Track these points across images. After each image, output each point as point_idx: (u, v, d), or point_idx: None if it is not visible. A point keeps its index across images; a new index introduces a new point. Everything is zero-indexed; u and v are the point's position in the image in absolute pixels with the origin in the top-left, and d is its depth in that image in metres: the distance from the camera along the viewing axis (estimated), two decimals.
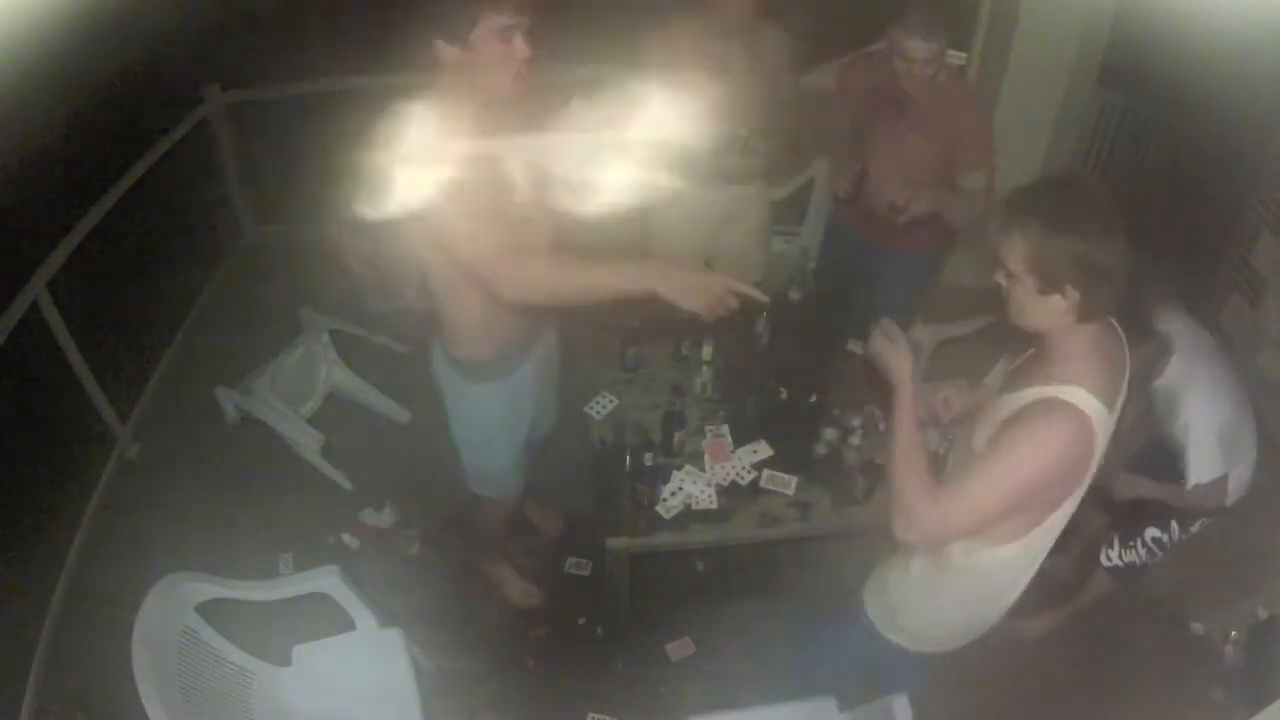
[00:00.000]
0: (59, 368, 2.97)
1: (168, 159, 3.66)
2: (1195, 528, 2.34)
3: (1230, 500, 2.20)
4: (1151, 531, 2.38)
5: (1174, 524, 2.35)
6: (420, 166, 1.68)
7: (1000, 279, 1.45)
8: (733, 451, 2.42)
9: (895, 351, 1.58)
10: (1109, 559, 2.49)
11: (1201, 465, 2.11)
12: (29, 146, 3.53)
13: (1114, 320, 1.52)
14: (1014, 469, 1.42)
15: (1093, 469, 1.45)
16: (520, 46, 1.70)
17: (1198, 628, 2.79)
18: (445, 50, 1.70)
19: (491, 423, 2.21)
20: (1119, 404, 1.48)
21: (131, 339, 3.66)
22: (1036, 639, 2.69)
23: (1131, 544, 2.43)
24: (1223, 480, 2.13)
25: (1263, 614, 2.70)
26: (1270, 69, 3.42)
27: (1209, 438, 2.10)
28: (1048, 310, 1.41)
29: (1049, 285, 1.38)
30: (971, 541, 1.56)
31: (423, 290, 1.98)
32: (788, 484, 2.35)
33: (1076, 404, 1.39)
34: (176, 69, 4.62)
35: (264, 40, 5.48)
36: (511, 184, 1.86)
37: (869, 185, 2.63)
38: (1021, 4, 3.40)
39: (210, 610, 2.08)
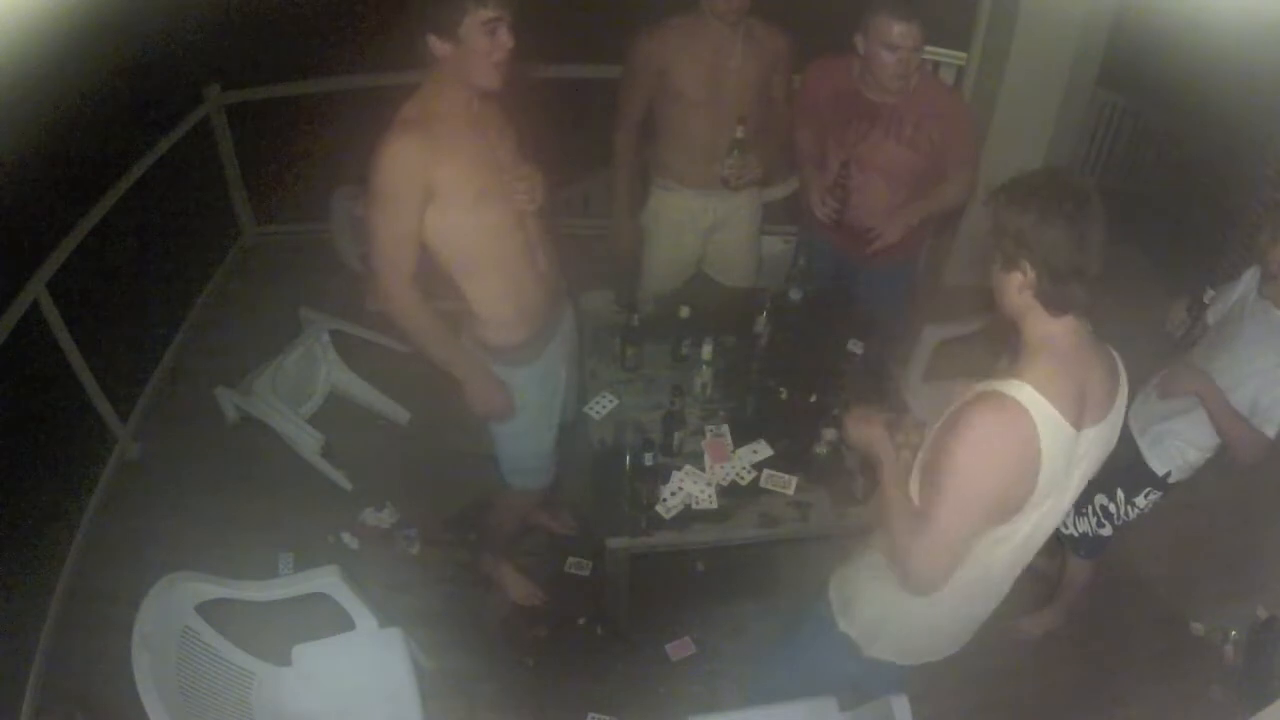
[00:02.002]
0: (59, 368, 2.97)
1: (168, 159, 3.65)
2: (1141, 501, 2.34)
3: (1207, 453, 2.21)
4: (1100, 499, 2.40)
5: (1120, 493, 2.35)
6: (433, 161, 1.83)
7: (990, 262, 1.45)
8: (733, 451, 2.42)
9: (871, 435, 1.61)
10: (1065, 527, 2.51)
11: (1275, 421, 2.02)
12: (29, 146, 3.53)
13: (1112, 351, 1.49)
14: (958, 485, 1.39)
15: (1042, 473, 1.38)
16: (504, 38, 1.83)
17: (1198, 628, 2.79)
18: (437, 45, 1.82)
19: (532, 406, 2.25)
20: (1094, 433, 1.43)
21: (131, 339, 3.66)
22: (1036, 639, 2.69)
23: (1083, 511, 2.45)
24: (1268, 445, 2.06)
25: (1263, 614, 2.70)
26: (1270, 69, 3.42)
27: None
28: (1011, 289, 1.39)
29: (1006, 259, 1.38)
30: None
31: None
32: (788, 484, 2.35)
33: (1015, 397, 1.35)
34: (176, 69, 4.63)
35: (264, 40, 5.50)
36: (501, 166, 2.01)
37: (852, 200, 2.60)
38: (1021, 4, 3.40)
39: (210, 610, 2.08)
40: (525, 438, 2.33)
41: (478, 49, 1.81)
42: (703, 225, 2.93)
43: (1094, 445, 1.45)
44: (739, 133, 2.58)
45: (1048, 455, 1.36)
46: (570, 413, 2.54)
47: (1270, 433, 2.01)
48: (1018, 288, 1.38)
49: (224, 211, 4.29)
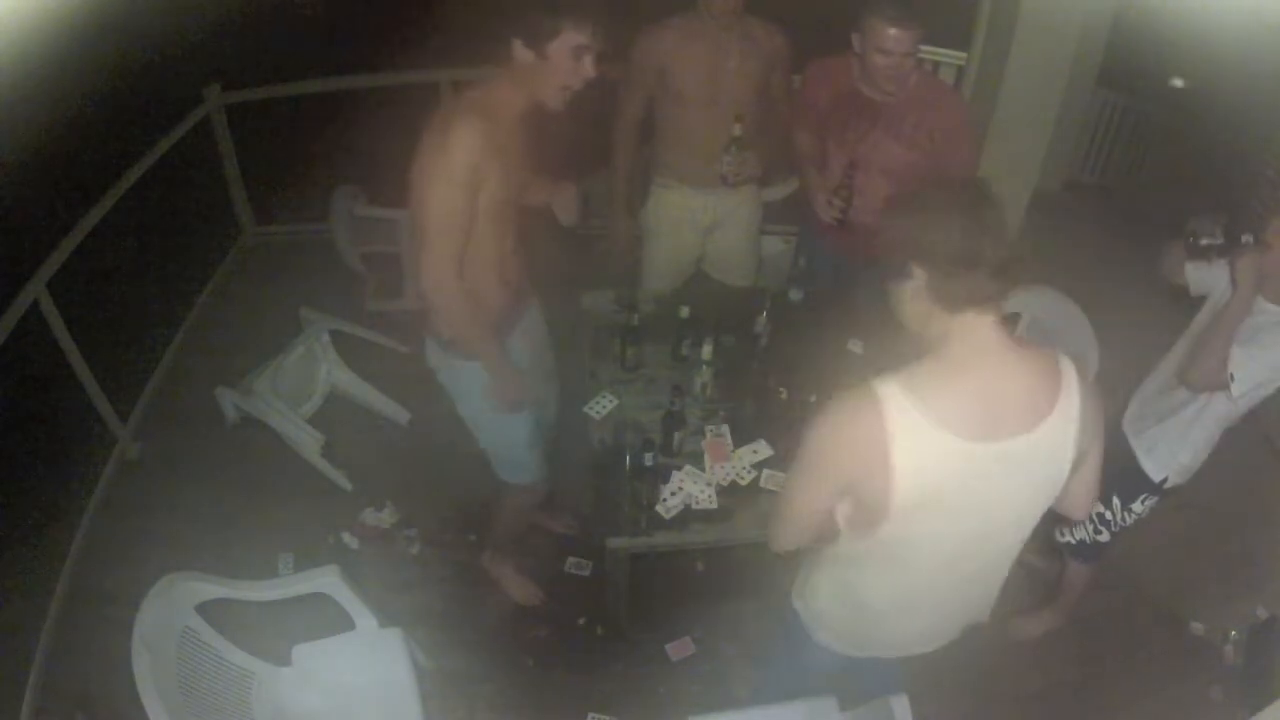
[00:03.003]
0: (59, 368, 2.97)
1: (168, 159, 3.65)
2: (1137, 507, 2.34)
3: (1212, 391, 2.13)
4: (1096, 506, 2.39)
5: (1116, 500, 2.36)
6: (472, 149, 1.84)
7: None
8: (733, 451, 2.42)
9: None
10: (1062, 535, 2.52)
11: (1249, 372, 2.00)
12: (29, 146, 3.54)
13: (1056, 355, 1.38)
14: (801, 457, 1.43)
15: (899, 473, 1.29)
16: (589, 67, 1.87)
17: (1198, 628, 2.79)
18: (521, 51, 1.84)
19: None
20: (1020, 444, 1.31)
21: (131, 339, 3.67)
22: (1036, 639, 2.69)
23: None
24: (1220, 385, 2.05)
25: (1263, 614, 2.71)
26: (1270, 69, 3.43)
27: (1268, 359, 2.00)
28: (905, 299, 1.34)
29: (896, 269, 1.33)
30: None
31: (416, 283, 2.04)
32: None
33: (875, 389, 1.30)
34: (176, 69, 4.63)
35: (264, 40, 5.50)
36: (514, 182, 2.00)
37: (855, 200, 2.60)
38: (1021, 4, 3.41)
39: (210, 610, 2.08)
40: (499, 428, 2.32)
41: (559, 69, 1.85)
42: (702, 223, 2.94)
43: (1026, 460, 1.33)
44: (736, 130, 2.60)
45: (906, 455, 1.28)
46: (550, 415, 2.56)
47: (1230, 388, 2.00)
48: (911, 295, 1.33)
49: (224, 211, 4.30)
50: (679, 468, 2.36)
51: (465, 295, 1.99)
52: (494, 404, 2.20)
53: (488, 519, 2.75)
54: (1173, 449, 2.22)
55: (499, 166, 1.89)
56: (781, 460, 2.39)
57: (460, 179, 1.85)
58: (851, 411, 1.33)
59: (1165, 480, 2.26)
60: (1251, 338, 2.00)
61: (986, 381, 1.31)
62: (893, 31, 2.31)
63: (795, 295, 2.82)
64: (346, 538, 2.98)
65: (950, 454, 1.29)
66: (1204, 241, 2.02)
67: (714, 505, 2.30)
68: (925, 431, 1.28)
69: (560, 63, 1.84)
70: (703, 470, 2.37)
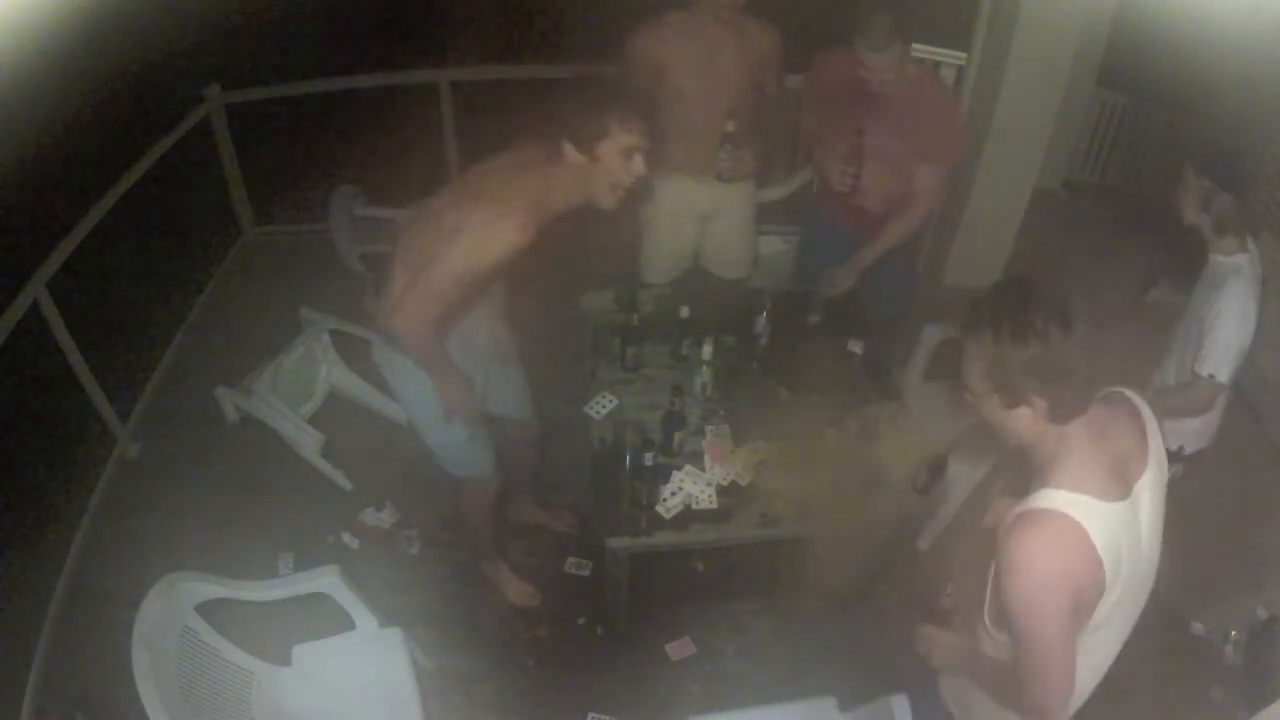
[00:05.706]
0: (59, 368, 2.97)
1: (168, 159, 3.65)
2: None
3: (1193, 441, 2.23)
4: None
5: None
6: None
7: (967, 397, 1.39)
8: (733, 451, 2.42)
9: (930, 649, 1.64)
10: None
11: (1212, 358, 2.10)
12: (29, 146, 3.53)
13: (1130, 394, 1.44)
14: (1037, 616, 1.32)
15: (1106, 563, 1.31)
16: (639, 166, 1.92)
17: (1198, 628, 2.79)
18: (571, 153, 1.90)
19: (429, 392, 2.21)
20: (1142, 484, 1.38)
21: (131, 339, 3.67)
22: None
23: None
24: (1215, 390, 2.15)
25: (1263, 614, 2.70)
26: (1270, 69, 3.43)
27: (1232, 340, 2.10)
28: (1021, 424, 1.34)
29: (1013, 398, 1.32)
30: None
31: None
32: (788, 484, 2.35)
33: (1051, 508, 1.30)
34: (176, 69, 4.64)
35: (264, 40, 5.51)
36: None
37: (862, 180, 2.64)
38: (1021, 4, 3.41)
39: (210, 610, 2.08)
40: (439, 424, 2.30)
41: (610, 170, 1.89)
42: (699, 212, 2.96)
43: (1150, 496, 1.41)
44: (729, 127, 2.64)
45: (1103, 543, 1.30)
46: (513, 411, 2.57)
47: (1215, 373, 2.10)
48: (1031, 421, 1.33)
49: (224, 211, 4.30)
50: (679, 468, 2.36)
51: (435, 340, 2.05)
52: (444, 411, 2.22)
53: (457, 524, 2.75)
54: (1176, 422, 2.21)
55: (516, 259, 1.92)
56: (782, 460, 2.39)
57: (484, 261, 1.90)
58: (1054, 540, 1.30)
59: (1183, 448, 2.26)
60: (1215, 318, 2.07)
61: (1105, 452, 1.36)
62: (870, 57, 2.45)
63: (814, 318, 2.81)
64: (346, 538, 2.98)
65: (1119, 519, 1.34)
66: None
67: (714, 505, 2.30)
68: (1106, 512, 1.32)
69: (611, 163, 1.89)
70: (703, 470, 2.37)
